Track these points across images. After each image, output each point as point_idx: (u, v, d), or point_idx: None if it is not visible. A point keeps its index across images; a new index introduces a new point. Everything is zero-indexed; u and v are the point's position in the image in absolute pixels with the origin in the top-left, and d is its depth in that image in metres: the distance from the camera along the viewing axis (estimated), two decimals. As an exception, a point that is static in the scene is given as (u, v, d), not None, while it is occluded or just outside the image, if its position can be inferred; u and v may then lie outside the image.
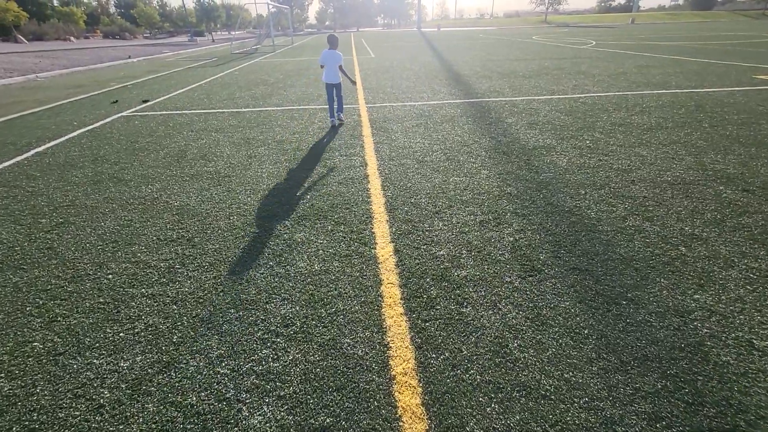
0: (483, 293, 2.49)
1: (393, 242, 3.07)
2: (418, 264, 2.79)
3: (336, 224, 3.35)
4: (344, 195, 3.89)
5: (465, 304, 2.40)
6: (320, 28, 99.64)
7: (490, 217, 3.38)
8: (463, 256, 2.87)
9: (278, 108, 7.84)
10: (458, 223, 3.32)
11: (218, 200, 3.86)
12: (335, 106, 6.30)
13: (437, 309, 2.36)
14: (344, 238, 3.15)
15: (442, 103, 7.83)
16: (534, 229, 3.18)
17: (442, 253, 2.91)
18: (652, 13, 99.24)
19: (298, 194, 3.96)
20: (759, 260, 2.71)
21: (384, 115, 6.93)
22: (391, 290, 2.54)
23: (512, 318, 2.27)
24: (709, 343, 2.07)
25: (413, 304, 2.40)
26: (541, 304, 2.38)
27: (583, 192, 3.80)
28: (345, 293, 2.52)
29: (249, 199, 3.88)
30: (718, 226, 3.13)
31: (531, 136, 5.53)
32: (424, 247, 2.99)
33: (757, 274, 2.57)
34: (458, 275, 2.66)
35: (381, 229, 3.27)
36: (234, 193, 4.01)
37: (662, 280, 2.55)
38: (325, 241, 3.10)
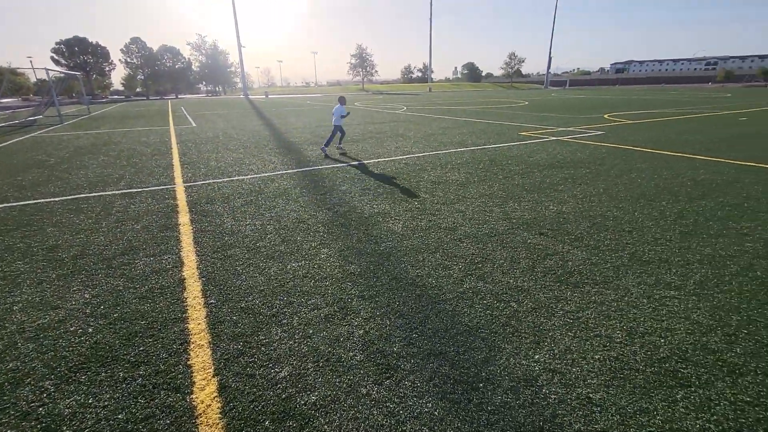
0: (338, 421, 2.02)
1: (217, 375, 2.35)
2: (253, 402, 2.15)
3: (131, 367, 2.42)
4: (147, 316, 2.96)
5: (317, 450, 1.88)
6: (130, 95, 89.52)
7: (336, 309, 3.02)
8: (310, 371, 2.37)
9: (57, 199, 6.08)
10: (301, 324, 2.83)
11: None
12: (334, 140, 9.67)
13: (281, 473, 1.76)
14: (143, 387, 2.26)
15: (274, 174, 7.46)
16: (383, 313, 2.95)
17: (283, 374, 2.35)
18: (441, 83, 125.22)
19: (71, 329, 2.82)
20: (569, 302, 3.06)
21: (207, 195, 6.10)
22: (215, 462, 1.82)
23: (376, 452, 1.86)
24: (560, 412, 2.06)
25: (247, 477, 1.75)
26: (404, 415, 2.05)
27: (422, 258, 3.85)
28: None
29: (-19, 355, 2.55)
30: (532, 273, 3.51)
31: (366, 202, 5.60)
32: (261, 371, 2.38)
33: (572, 317, 2.87)
34: (306, 403, 2.14)
35: (201, 358, 2.50)
36: (-48, 351, 2.59)
37: (506, 345, 2.58)
38: (112, 402, 2.15)
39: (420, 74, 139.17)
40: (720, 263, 3.61)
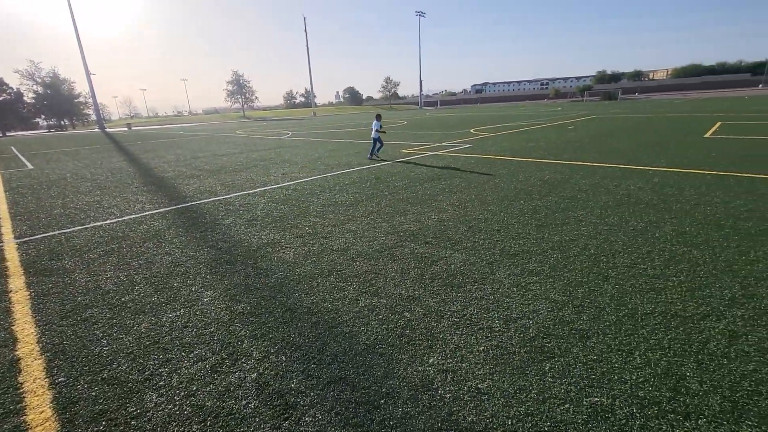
0: (233, 484, 1.81)
1: (72, 471, 1.91)
2: (121, 492, 1.79)
3: (-65, 495, 1.82)
4: (-39, 419, 2.27)
5: None
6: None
7: (224, 356, 2.74)
8: (196, 435, 2.09)
9: None
10: (182, 382, 2.49)
11: None
12: (375, 150, 11.70)
13: None
14: None
15: (143, 216, 6.58)
16: (278, 349, 2.78)
17: (162, 446, 2.02)
18: (325, 107, 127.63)
19: None
20: (455, 302, 3.31)
21: (51, 250, 5.05)
22: None
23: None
24: (455, 409, 2.19)
25: None
26: (306, 456, 1.94)
27: (316, 284, 3.77)
28: None
29: None
30: (421, 281, 3.72)
31: (253, 234, 5.30)
32: (132, 451, 2.01)
33: (458, 316, 3.11)
34: (192, 473, 1.87)
35: (46, 455, 2.01)
36: None
37: (402, 355, 2.66)
38: None
39: (303, 99, 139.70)
40: (566, 247, 4.33)
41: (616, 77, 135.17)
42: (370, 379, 2.44)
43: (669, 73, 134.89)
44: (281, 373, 2.54)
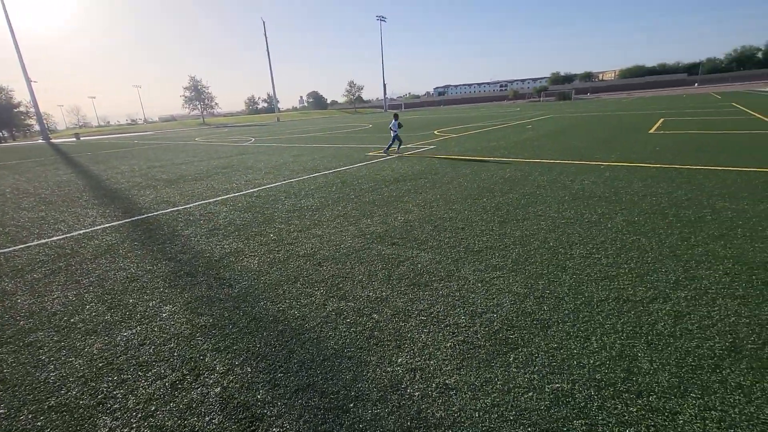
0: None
1: None
2: None
3: None
4: None
5: None
6: None
7: (185, 371, 2.63)
8: (155, 457, 1.99)
9: None
10: (139, 403, 2.36)
11: None
12: (395, 144, 13.10)
13: None
14: None
15: (93, 230, 6.19)
16: (243, 361, 2.70)
17: (118, 473, 1.90)
18: (289, 113, 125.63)
19: None
20: (422, 301, 3.34)
21: (-11, 271, 4.65)
22: None
23: None
24: (424, 406, 2.21)
25: None
26: (274, 467, 1.89)
27: (282, 291, 3.69)
28: None
29: None
30: (389, 282, 3.73)
31: (215, 244, 5.13)
32: (84, 481, 1.88)
33: (426, 314, 3.14)
34: (152, 498, 1.77)
35: (-16, 495, 1.84)
36: None
37: (371, 357, 2.65)
38: None
39: (266, 104, 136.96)
40: (527, 241, 4.49)
41: (569, 78, 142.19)
42: (338, 384, 2.42)
43: (616, 74, 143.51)
44: (247, 384, 2.46)
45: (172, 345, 2.94)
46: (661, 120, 19.14)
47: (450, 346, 2.72)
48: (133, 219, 6.75)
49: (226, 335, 3.02)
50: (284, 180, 9.49)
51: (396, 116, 13.39)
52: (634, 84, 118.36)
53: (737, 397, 2.10)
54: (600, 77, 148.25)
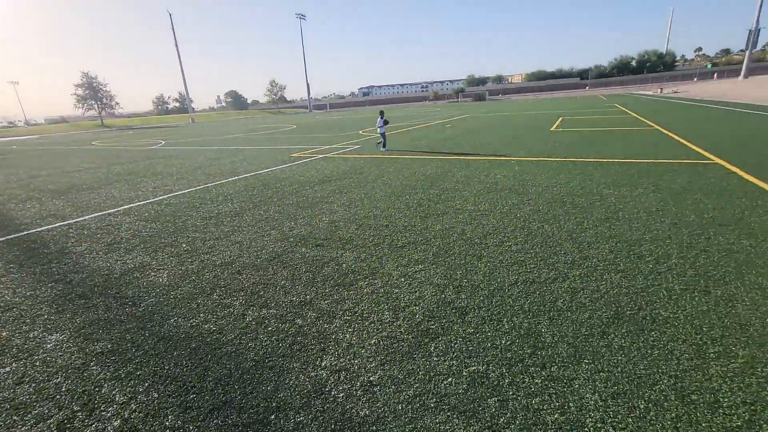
0: None
1: None
2: None
3: None
4: None
5: None
6: None
7: (76, 408, 2.29)
8: None
9: None
10: (15, 453, 2.00)
11: None
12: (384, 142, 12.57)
13: None
14: None
15: (-46, 253, 5.15)
16: (148, 386, 2.43)
17: None
18: (206, 113, 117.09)
19: None
20: (346, 301, 3.32)
21: None
22: None
23: None
24: (349, 407, 2.19)
25: None
26: (185, 498, 1.72)
27: (196, 304, 3.41)
28: None
29: None
30: (313, 285, 3.64)
31: (116, 259, 4.57)
32: None
33: (350, 313, 3.12)
34: None
35: None
36: None
37: (294, 364, 2.57)
38: None
39: (178, 104, 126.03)
40: (446, 234, 4.70)
41: (482, 81, 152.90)
42: (258, 397, 2.29)
43: (523, 77, 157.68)
44: (153, 412, 2.23)
45: (59, 379, 2.54)
46: (560, 119, 21.43)
47: (374, 342, 2.73)
48: (8, 238, 5.74)
49: (128, 360, 2.70)
50: (199, 185, 8.82)
51: (381, 113, 12.79)
52: (540, 86, 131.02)
53: (619, 358, 2.41)
54: (510, 79, 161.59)
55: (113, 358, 2.74)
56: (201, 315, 3.24)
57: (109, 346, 2.88)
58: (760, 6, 58.57)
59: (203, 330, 3.02)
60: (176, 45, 75.78)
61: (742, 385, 2.15)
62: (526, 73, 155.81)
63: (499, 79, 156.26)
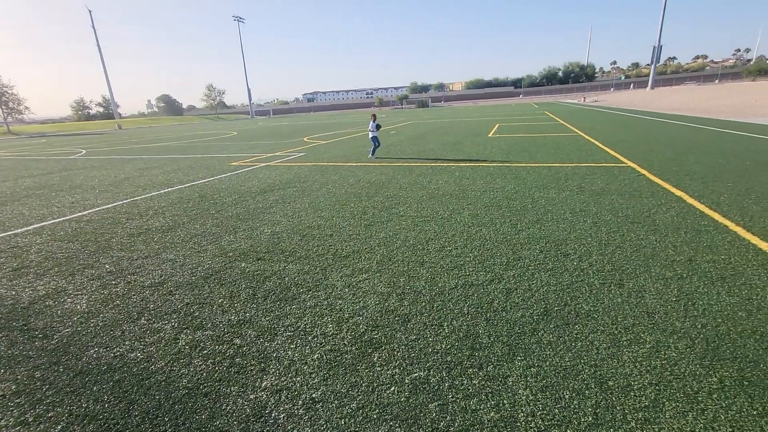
0: None
1: None
2: None
3: None
4: None
5: None
6: None
7: (-31, 464, 1.99)
8: None
9: None
10: None
11: None
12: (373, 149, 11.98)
13: None
14: None
15: None
16: (62, 429, 2.18)
17: None
18: (135, 119, 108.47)
19: None
20: (289, 316, 3.23)
21: None
22: None
23: None
24: (290, 427, 2.12)
25: None
26: None
27: (120, 332, 3.13)
28: None
29: None
30: (254, 301, 3.50)
31: (23, 287, 4.06)
32: None
33: (293, 329, 3.04)
34: None
35: None
36: None
37: (231, 388, 2.44)
38: None
39: (102, 110, 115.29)
40: (390, 242, 4.76)
41: (425, 88, 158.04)
42: (191, 427, 2.15)
43: (462, 85, 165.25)
44: (67, 458, 2.00)
45: (-54, 433, 2.20)
46: (497, 125, 22.71)
47: (317, 357, 2.69)
48: None
49: (38, 401, 2.41)
50: (126, 198, 8.13)
51: (374, 117, 12.16)
52: (479, 94, 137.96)
53: (548, 352, 2.59)
54: (451, 87, 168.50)
55: (18, 400, 2.42)
56: (126, 343, 2.97)
57: (13, 387, 2.54)
58: (661, 25, 67.03)
59: (128, 359, 2.77)
60: (98, 43, 69.63)
61: (649, 367, 2.41)
62: (466, 81, 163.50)
63: (440, 86, 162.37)
